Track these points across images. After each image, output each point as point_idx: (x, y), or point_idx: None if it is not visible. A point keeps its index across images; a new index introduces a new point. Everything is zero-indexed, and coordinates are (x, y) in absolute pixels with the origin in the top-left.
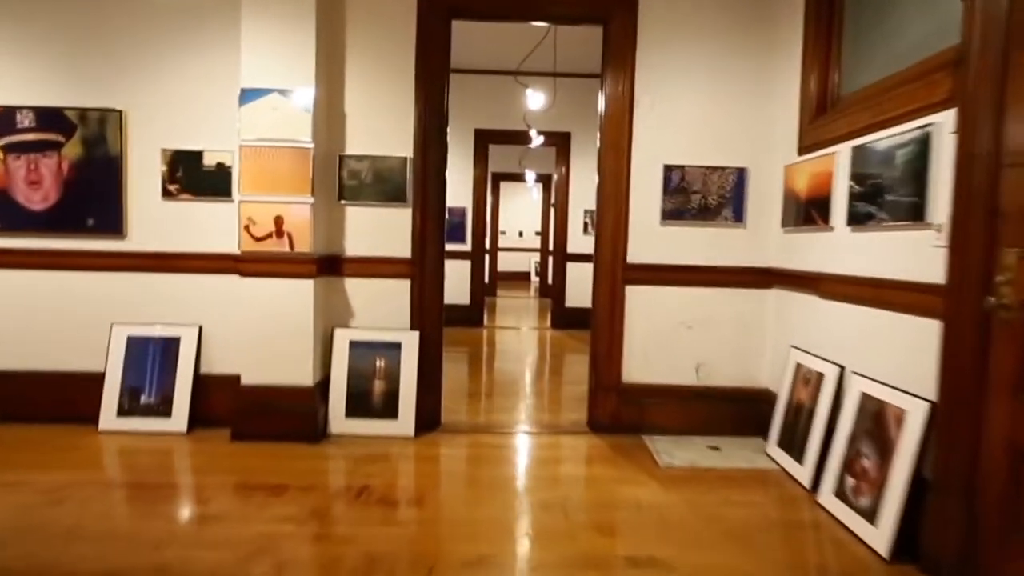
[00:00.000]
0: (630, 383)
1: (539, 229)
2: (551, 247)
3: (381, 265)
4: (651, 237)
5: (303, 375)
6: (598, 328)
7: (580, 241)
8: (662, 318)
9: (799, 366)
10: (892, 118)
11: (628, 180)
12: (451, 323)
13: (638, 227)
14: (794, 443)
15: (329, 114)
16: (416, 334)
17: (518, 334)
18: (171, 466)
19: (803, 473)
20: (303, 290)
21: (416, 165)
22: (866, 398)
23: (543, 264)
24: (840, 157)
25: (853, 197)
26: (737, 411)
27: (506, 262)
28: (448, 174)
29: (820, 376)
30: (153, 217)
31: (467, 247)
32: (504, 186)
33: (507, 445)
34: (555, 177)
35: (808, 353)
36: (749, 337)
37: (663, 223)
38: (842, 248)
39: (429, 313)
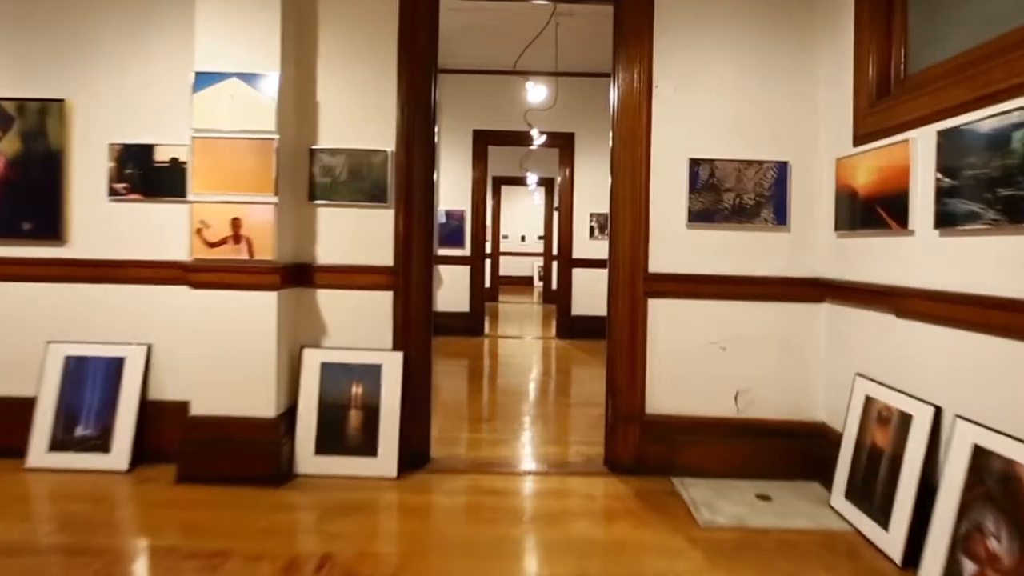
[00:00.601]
0: (655, 414)
1: (542, 233)
2: (555, 252)
3: (359, 275)
4: (676, 242)
5: (264, 404)
6: (616, 348)
7: (586, 246)
8: (692, 337)
9: (870, 400)
10: (1003, 91)
11: (647, 177)
12: (449, 332)
13: (661, 231)
14: (871, 498)
15: (298, 102)
16: (399, 355)
17: (521, 344)
18: (95, 520)
19: (889, 542)
20: (265, 304)
21: (399, 160)
22: (984, 454)
23: (546, 269)
24: (919, 144)
25: (942, 192)
26: (788, 450)
27: (508, 266)
28: (446, 176)
29: (906, 417)
30: (98, 220)
31: (466, 252)
32: (505, 190)
33: (508, 490)
34: (558, 179)
35: (883, 385)
36: (798, 361)
37: (690, 226)
38: (927, 256)
39: (415, 330)
